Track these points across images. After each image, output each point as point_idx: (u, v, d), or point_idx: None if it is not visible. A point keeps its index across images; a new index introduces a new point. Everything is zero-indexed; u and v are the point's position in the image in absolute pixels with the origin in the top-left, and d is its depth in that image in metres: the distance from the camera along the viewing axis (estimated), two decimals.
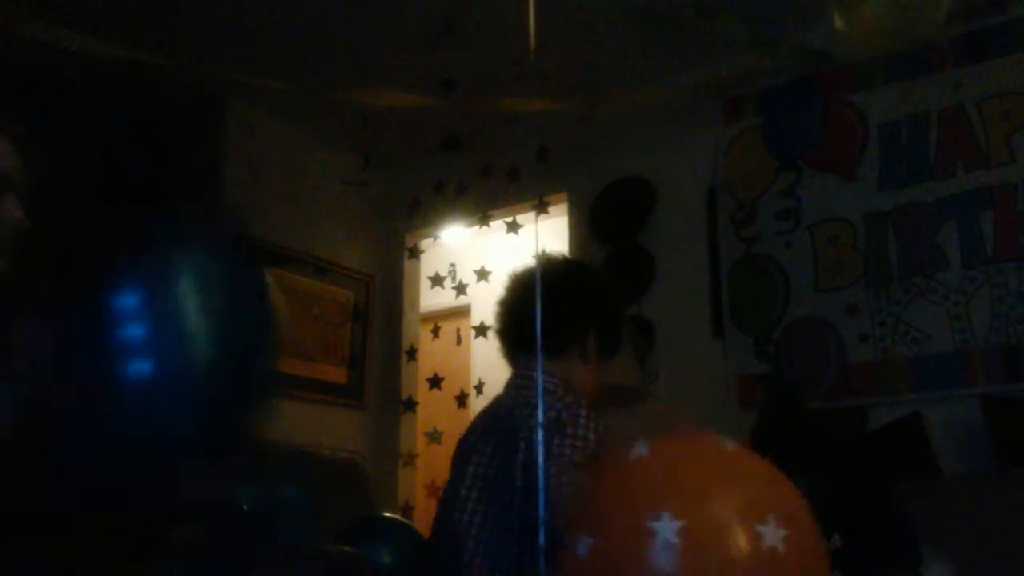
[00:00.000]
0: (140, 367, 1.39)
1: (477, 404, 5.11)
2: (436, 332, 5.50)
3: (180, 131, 4.29)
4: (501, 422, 1.78)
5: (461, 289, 5.17)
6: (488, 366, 5.36)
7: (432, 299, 5.21)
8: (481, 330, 4.92)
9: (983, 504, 2.65)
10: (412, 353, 4.67)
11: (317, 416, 4.30)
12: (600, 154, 4.12)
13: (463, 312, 5.49)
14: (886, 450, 3.04)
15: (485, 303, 5.94)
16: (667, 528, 1.14)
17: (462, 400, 5.05)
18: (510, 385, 1.85)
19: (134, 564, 2.44)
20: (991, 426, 2.94)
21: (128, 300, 1.42)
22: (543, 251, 1.88)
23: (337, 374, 4.50)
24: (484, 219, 4.51)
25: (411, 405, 4.60)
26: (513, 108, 3.61)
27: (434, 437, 4.46)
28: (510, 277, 1.93)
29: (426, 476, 4.97)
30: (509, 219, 4.47)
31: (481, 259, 5.14)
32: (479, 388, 5.07)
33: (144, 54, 3.26)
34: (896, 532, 2.27)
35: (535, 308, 1.56)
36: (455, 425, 5.30)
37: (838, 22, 2.56)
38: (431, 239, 4.96)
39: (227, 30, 3.59)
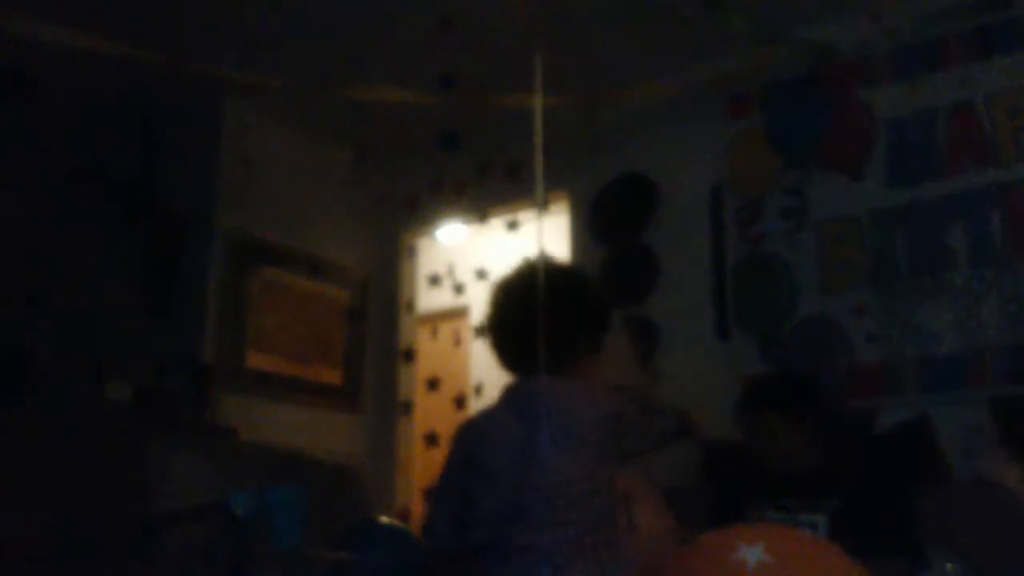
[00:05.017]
0: None
1: (476, 406, 5.08)
2: (434, 333, 5.44)
3: (175, 129, 4.25)
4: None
5: (459, 289, 5.12)
6: (487, 368, 5.32)
7: (430, 299, 5.16)
8: (480, 331, 4.87)
9: (991, 506, 2.61)
10: (409, 354, 4.61)
11: (312, 419, 4.25)
12: (602, 152, 4.08)
13: (461, 312, 5.45)
14: (894, 452, 3.00)
15: (484, 303, 5.92)
16: None
17: (461, 402, 4.98)
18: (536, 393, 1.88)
19: (129, 567, 2.39)
20: (999, 429, 2.89)
21: None
22: (528, 257, 2.00)
23: (332, 376, 4.44)
24: (483, 217, 4.46)
25: (408, 407, 4.55)
26: (512, 105, 3.56)
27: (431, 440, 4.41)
28: (499, 290, 2.03)
29: (424, 480, 4.92)
30: (508, 217, 4.42)
31: (480, 258, 5.10)
32: (478, 390, 5.02)
33: (139, 51, 3.21)
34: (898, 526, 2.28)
35: (532, 320, 1.79)
36: (453, 428, 5.25)
37: None
38: (428, 238, 4.91)
39: (222, 27, 3.55)
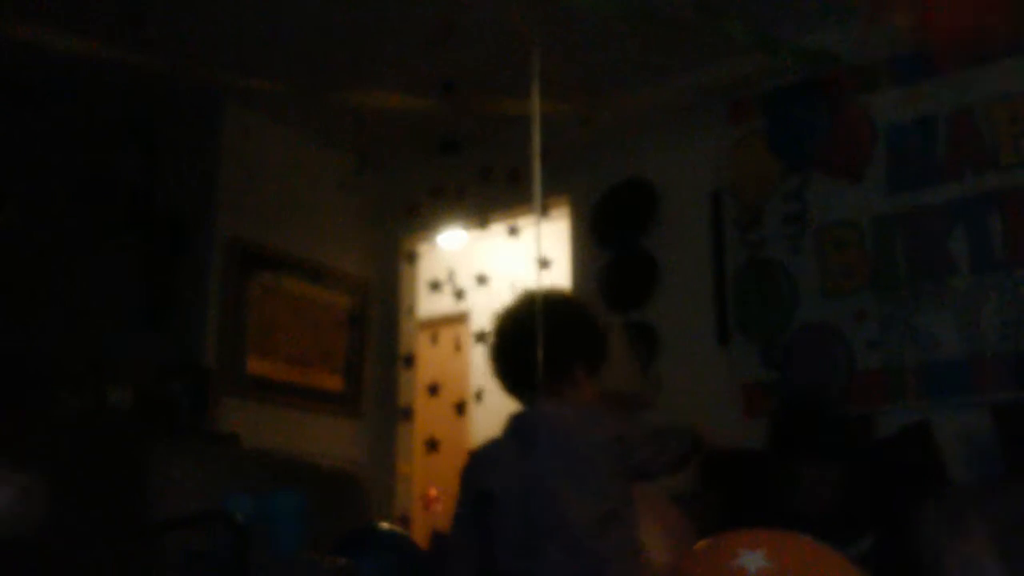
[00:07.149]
0: None
1: (476, 412, 5.08)
2: (434, 339, 5.44)
3: (175, 134, 4.25)
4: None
5: (460, 295, 5.12)
6: (487, 374, 5.32)
7: (430, 305, 5.16)
8: (480, 337, 4.88)
9: (993, 512, 2.60)
10: (410, 360, 4.61)
11: (312, 424, 4.24)
12: (602, 157, 4.08)
13: (462, 318, 5.44)
14: (894, 458, 2.99)
15: (484, 309, 5.94)
16: None
17: (461, 408, 4.98)
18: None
19: (130, 573, 2.39)
20: (1001, 434, 2.89)
21: None
22: (526, 290, 2.09)
23: (333, 381, 4.44)
24: (484, 223, 4.46)
25: (408, 413, 4.55)
26: (513, 110, 3.57)
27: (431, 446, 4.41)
28: (500, 318, 2.11)
29: (423, 486, 4.92)
30: (509, 223, 4.42)
31: (480, 264, 5.10)
32: (478, 396, 5.02)
33: (139, 56, 3.22)
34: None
35: (533, 347, 1.90)
36: (454, 434, 5.28)
37: None
38: (429, 243, 4.91)
39: (223, 31, 3.55)
